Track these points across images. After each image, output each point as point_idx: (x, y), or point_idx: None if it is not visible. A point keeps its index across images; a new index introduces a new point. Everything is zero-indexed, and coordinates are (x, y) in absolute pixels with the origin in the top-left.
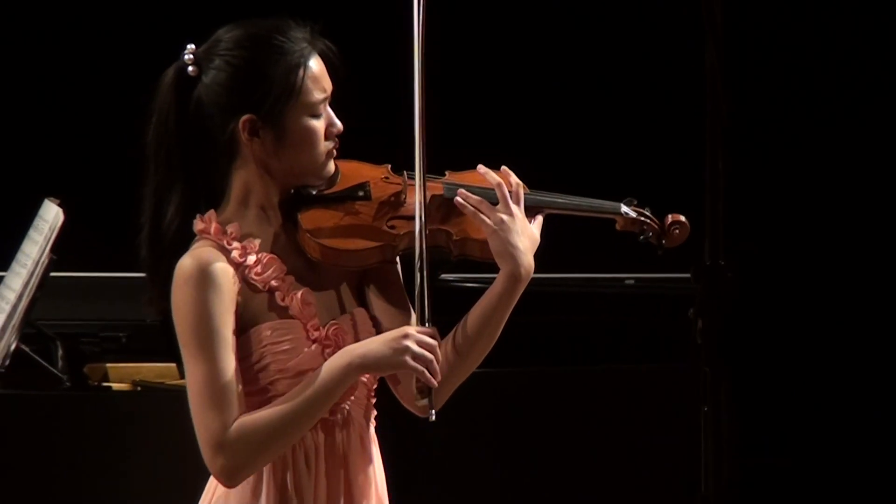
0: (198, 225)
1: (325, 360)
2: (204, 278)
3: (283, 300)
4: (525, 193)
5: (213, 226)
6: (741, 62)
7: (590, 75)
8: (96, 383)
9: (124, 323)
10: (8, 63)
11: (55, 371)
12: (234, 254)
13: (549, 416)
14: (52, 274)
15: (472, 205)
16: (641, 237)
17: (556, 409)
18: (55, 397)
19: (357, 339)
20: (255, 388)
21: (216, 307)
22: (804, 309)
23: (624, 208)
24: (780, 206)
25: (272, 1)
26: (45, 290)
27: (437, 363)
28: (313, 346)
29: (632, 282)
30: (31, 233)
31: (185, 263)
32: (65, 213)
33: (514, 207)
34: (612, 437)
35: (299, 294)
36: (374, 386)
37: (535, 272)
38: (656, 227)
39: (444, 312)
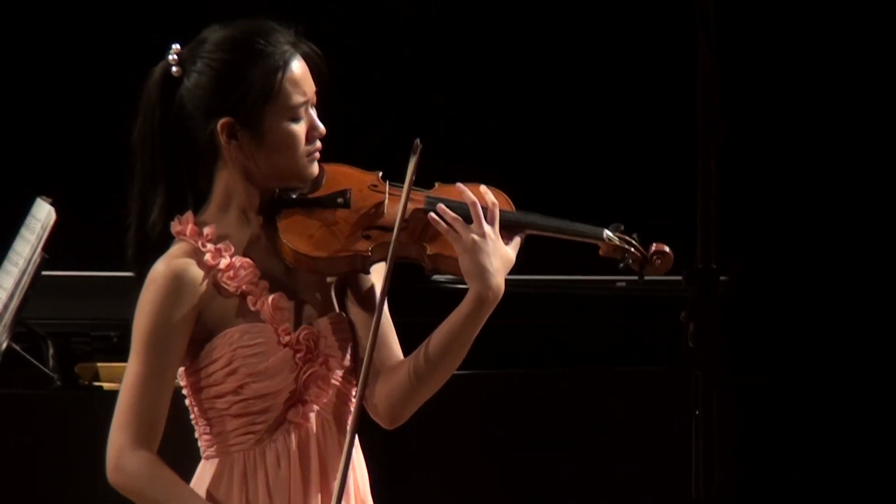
0: (175, 227)
1: (296, 364)
2: (170, 286)
3: (254, 305)
4: (506, 211)
5: (189, 227)
6: (732, 63)
7: (581, 74)
8: (87, 382)
9: (115, 322)
10: (0, 62)
11: (46, 370)
12: (207, 256)
13: (538, 420)
14: (44, 273)
15: (447, 221)
16: (622, 265)
17: (546, 412)
18: (46, 396)
19: (329, 344)
20: (226, 391)
21: (174, 318)
22: (803, 314)
23: (607, 233)
24: (774, 209)
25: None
26: (36, 289)
27: None
28: (283, 350)
29: (623, 284)
30: (23, 231)
31: (158, 268)
32: (57, 211)
33: (487, 228)
34: (603, 440)
35: (270, 299)
36: (352, 389)
37: (525, 273)
38: (639, 255)
39: (435, 314)
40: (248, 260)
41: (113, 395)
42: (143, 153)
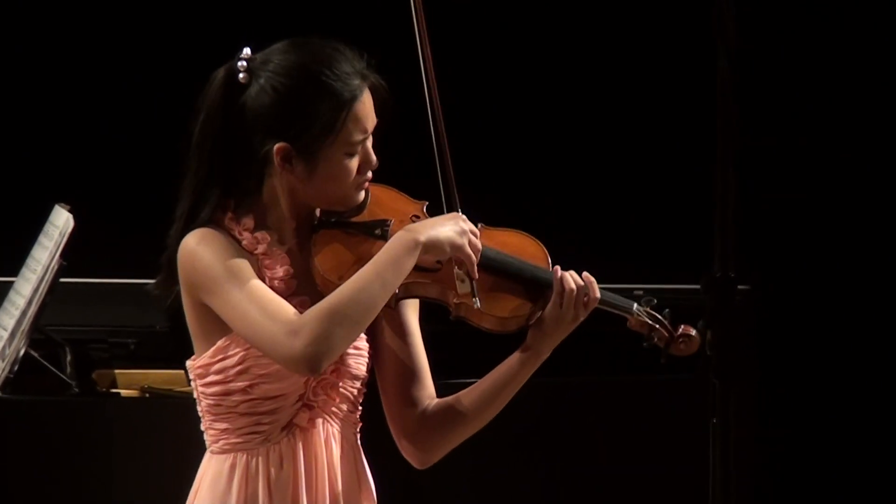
0: (217, 214)
1: None
2: (211, 237)
3: None
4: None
5: (228, 214)
6: (750, 74)
7: (601, 79)
8: (104, 389)
9: (133, 329)
10: (18, 69)
11: (64, 377)
12: (244, 243)
13: (554, 429)
14: (62, 279)
15: (569, 287)
16: (646, 343)
17: (562, 420)
18: (63, 403)
19: (343, 353)
20: (235, 389)
21: (230, 252)
22: (824, 323)
23: (637, 307)
24: (795, 217)
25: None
26: (54, 296)
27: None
28: None
29: (640, 292)
30: (42, 238)
31: (188, 238)
32: (75, 218)
33: (582, 314)
34: (619, 448)
35: (293, 303)
36: (360, 399)
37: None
38: (666, 335)
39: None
40: (285, 255)
41: (129, 402)
42: (201, 152)
